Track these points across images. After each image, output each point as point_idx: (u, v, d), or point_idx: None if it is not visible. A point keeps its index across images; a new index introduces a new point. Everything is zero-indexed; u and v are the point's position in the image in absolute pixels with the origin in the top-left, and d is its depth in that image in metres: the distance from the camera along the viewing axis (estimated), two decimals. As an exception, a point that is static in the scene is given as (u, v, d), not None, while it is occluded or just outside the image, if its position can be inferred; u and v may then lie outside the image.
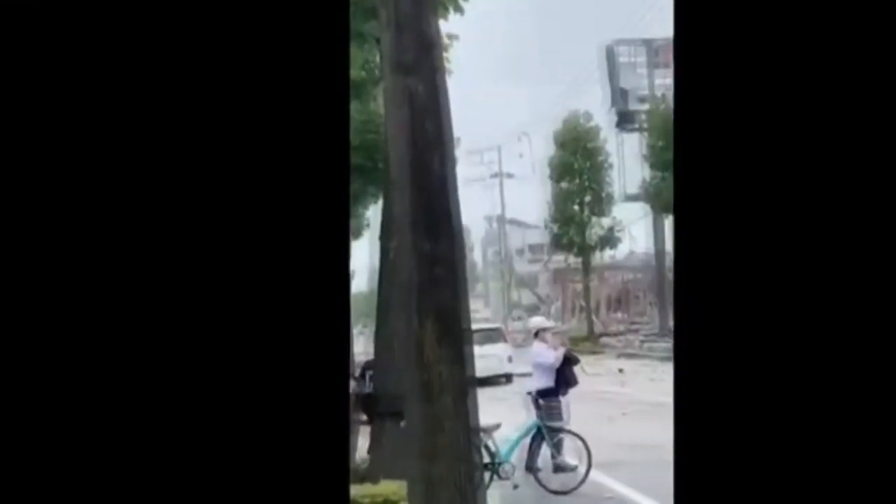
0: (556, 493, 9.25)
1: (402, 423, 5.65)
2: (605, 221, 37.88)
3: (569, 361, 10.76)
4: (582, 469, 9.52)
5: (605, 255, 43.77)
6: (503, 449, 9.31)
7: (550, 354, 10.74)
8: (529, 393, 10.74)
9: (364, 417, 10.44)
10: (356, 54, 8.97)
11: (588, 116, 37.64)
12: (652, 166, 32.31)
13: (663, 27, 39.20)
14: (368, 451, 9.29)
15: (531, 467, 9.40)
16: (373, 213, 18.06)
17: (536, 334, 11.38)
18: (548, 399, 9.89)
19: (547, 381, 10.71)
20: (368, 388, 10.84)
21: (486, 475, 8.56)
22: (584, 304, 42.99)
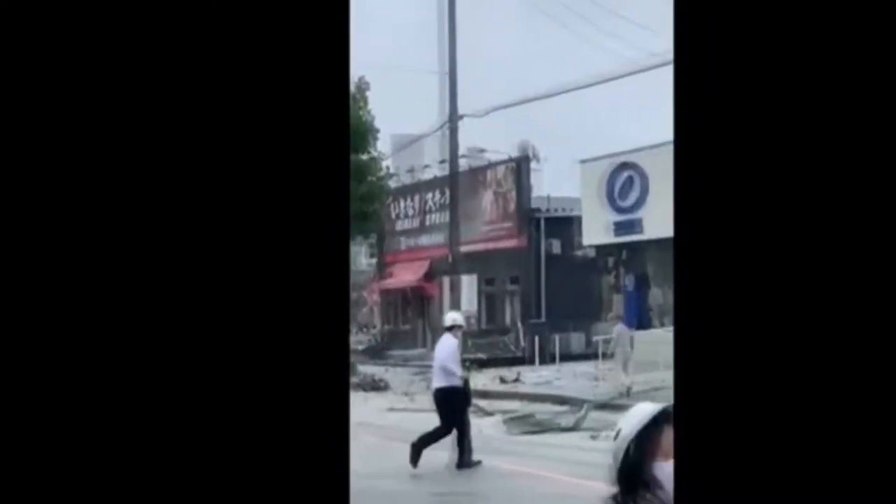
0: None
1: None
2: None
3: None
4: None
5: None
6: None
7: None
8: (436, 389, 11.34)
9: None
10: None
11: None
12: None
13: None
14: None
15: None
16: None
17: (451, 329, 11.72)
18: None
19: (454, 381, 11.22)
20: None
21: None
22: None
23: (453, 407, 12.42)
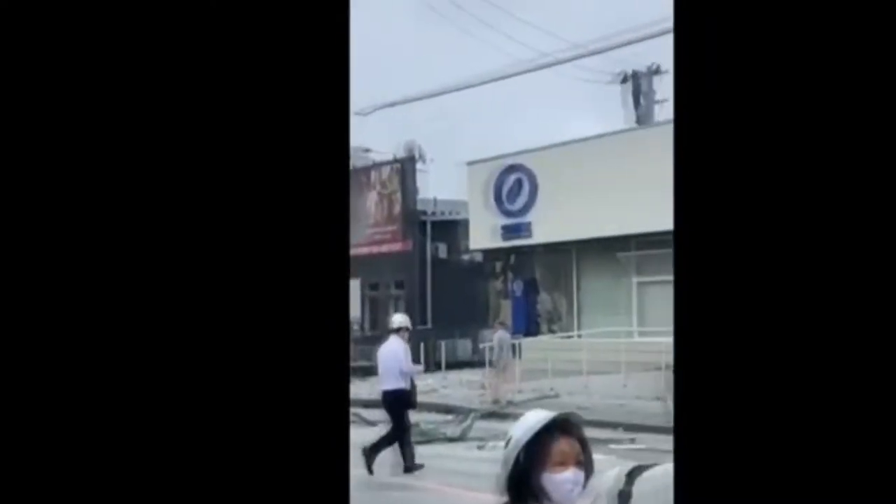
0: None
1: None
2: None
3: None
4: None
5: None
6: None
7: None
8: (386, 392, 11.46)
9: None
10: None
11: None
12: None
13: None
14: None
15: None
16: None
17: (397, 331, 11.85)
18: None
19: (406, 383, 11.29)
20: None
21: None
22: None
23: (401, 410, 12.62)
